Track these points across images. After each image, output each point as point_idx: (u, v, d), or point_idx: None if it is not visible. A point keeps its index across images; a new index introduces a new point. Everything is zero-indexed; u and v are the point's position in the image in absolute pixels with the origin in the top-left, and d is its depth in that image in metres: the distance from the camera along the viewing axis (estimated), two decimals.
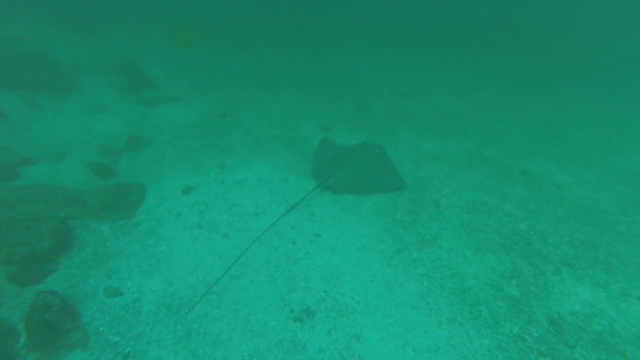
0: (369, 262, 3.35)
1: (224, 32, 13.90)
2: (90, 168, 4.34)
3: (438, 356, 2.57)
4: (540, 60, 15.15)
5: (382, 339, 2.65)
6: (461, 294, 3.11)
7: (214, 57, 10.67)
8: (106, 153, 4.77)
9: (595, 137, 7.43)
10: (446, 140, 6.41)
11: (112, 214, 3.63)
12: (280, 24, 16.28)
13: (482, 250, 3.62)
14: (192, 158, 4.89)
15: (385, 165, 4.63)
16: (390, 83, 9.97)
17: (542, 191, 4.96)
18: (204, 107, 6.76)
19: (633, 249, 3.92)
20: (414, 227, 3.88)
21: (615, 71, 14.11)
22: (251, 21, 16.40)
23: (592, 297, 3.23)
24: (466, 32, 18.34)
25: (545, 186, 5.13)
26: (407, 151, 5.75)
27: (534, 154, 6.28)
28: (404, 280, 3.18)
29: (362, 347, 2.58)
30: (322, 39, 14.90)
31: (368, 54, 13.56)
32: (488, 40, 16.99)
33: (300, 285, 3.04)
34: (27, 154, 4.41)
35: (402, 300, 2.98)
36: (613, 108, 9.76)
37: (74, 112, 5.81)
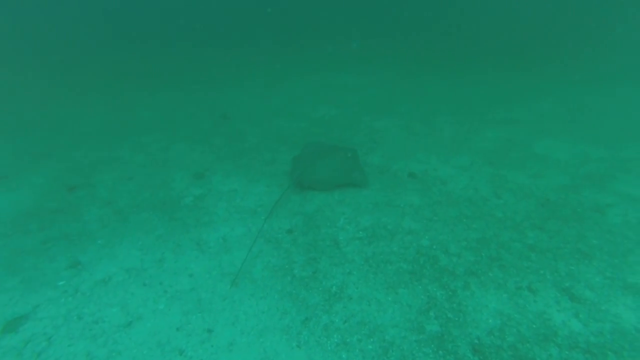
0: (275, 349, 2.81)
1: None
2: None
3: None
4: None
5: None
6: (384, 353, 2.77)
7: (46, 107, 8.89)
8: None
9: (458, 120, 8.01)
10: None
11: None
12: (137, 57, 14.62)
13: (394, 287, 3.37)
14: (25, 265, 3.73)
15: (354, 166, 5.13)
16: (262, 100, 9.52)
17: (431, 192, 5.00)
18: (41, 181, 5.41)
19: (512, 234, 4.09)
20: (317, 282, 3.46)
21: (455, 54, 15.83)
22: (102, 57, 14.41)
23: (499, 304, 3.19)
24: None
25: (433, 184, 5.20)
26: (290, 189, 5.33)
27: (416, 150, 6.40)
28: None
29: None
30: (187, 72, 13.77)
31: (235, 69, 12.91)
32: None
33: None
34: None
35: None
36: (467, 89, 10.79)
37: None
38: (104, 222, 4.44)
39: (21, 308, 3.21)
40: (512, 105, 8.99)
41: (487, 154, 6.23)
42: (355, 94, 9.98)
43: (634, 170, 5.60)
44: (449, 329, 2.96)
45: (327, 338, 2.89)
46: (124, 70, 13.09)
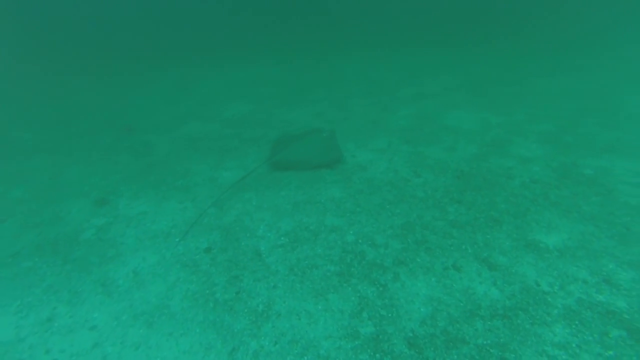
0: None
1: None
2: None
3: None
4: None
5: None
6: None
7: None
8: None
9: (372, 101, 8.06)
10: (244, 160, 5.82)
11: None
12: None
13: (323, 294, 3.20)
14: None
15: (330, 145, 5.35)
16: (169, 104, 8.76)
17: (352, 181, 4.90)
18: None
19: (434, 213, 4.15)
20: (241, 303, 3.17)
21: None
22: None
23: (428, 289, 3.18)
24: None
25: (353, 173, 5.11)
26: (205, 193, 4.93)
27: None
28: None
29: None
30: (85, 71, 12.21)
31: (137, 73, 11.75)
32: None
33: None
34: None
35: None
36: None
37: None
38: None
39: None
40: (422, 80, 9.30)
41: (403, 133, 6.32)
42: (268, 86, 9.61)
43: (524, 133, 6.06)
44: (384, 327, 2.87)
45: None
46: None
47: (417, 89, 8.58)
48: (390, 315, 2.96)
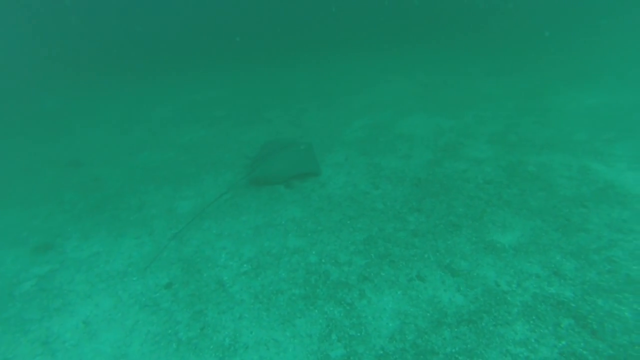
0: None
1: None
2: None
3: None
4: None
5: None
6: None
7: None
8: None
9: (326, 114, 8.13)
10: (201, 186, 5.67)
11: None
12: None
13: (290, 320, 3.14)
14: None
15: (307, 157, 5.53)
16: (121, 133, 8.41)
17: (311, 199, 4.89)
18: None
19: (395, 224, 4.21)
20: (207, 339, 3.05)
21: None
22: None
23: (395, 303, 3.21)
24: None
25: (312, 190, 5.10)
26: (163, 225, 4.74)
27: None
28: None
29: None
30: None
31: (82, 100, 11.20)
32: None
33: None
34: None
35: None
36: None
37: None
38: None
39: None
40: (374, 88, 9.53)
41: (360, 144, 6.41)
42: (223, 107, 9.49)
43: (474, 135, 6.34)
44: (354, 347, 2.85)
45: None
46: None
47: (370, 98, 8.79)
48: (359, 334, 2.95)
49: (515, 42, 12.35)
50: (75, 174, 6.63)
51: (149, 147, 7.42)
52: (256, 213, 4.70)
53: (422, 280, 3.40)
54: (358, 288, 3.37)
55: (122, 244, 4.46)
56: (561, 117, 6.59)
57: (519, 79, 9.05)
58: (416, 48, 13.33)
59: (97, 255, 4.34)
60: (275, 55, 14.53)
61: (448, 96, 8.42)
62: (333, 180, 5.29)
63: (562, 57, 10.22)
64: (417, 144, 6.21)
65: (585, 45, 10.92)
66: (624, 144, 5.36)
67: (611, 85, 7.70)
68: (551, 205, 4.23)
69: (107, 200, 5.56)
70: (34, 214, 5.40)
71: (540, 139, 5.90)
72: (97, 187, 6.05)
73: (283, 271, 3.66)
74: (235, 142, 7.18)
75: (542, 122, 6.52)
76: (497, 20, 15.15)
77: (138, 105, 10.54)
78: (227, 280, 3.64)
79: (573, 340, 2.69)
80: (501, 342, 2.76)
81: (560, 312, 2.93)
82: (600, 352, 2.57)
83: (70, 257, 4.34)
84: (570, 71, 8.98)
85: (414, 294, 3.27)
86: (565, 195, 4.39)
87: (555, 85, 8.21)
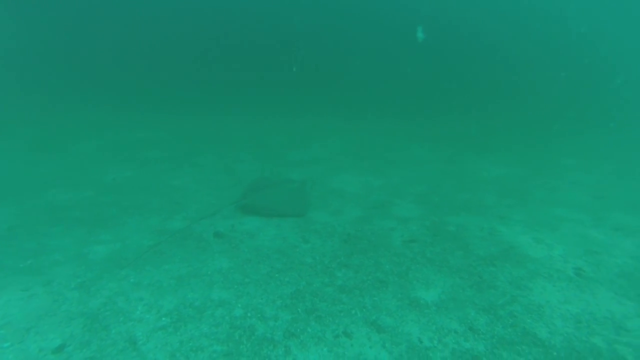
0: None
1: None
2: None
3: None
4: None
5: None
6: None
7: None
8: None
9: (261, 166, 8.18)
10: (121, 229, 5.22)
11: None
12: None
13: None
14: None
15: (299, 196, 5.91)
16: (26, 166, 7.56)
17: (240, 250, 4.74)
18: None
19: (323, 279, 4.20)
20: None
21: None
22: None
23: None
24: None
25: (241, 241, 4.97)
26: (67, 272, 4.21)
27: (222, 205, 6.07)
28: None
29: None
30: None
31: None
32: None
33: None
34: None
35: None
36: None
37: None
38: None
39: None
40: (310, 144, 9.90)
41: None
42: (154, 148, 9.11)
43: (401, 194, 6.80)
44: None
45: None
46: None
47: (305, 153, 9.08)
48: None
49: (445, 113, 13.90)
50: None
51: (60, 185, 6.73)
52: (181, 262, 4.40)
53: (349, 336, 3.37)
54: (284, 344, 3.23)
55: (1, 297, 3.73)
56: (475, 183, 7.38)
57: (441, 145, 10.09)
58: (355, 115, 14.26)
59: None
60: (218, 102, 14.56)
61: (378, 157, 9.02)
62: (263, 232, 5.23)
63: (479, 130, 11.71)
64: (348, 201, 6.46)
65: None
66: (519, 209, 6.15)
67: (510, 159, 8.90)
68: (467, 264, 4.58)
69: None
70: None
71: (458, 201, 6.51)
72: None
73: (205, 325, 3.40)
74: (164, 185, 6.84)
75: (458, 186, 7.24)
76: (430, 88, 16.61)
77: (55, 135, 9.69)
78: (140, 336, 3.27)
79: None
80: None
81: None
82: None
83: None
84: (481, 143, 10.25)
85: (340, 350, 3.21)
86: (479, 255, 4.80)
87: (466, 154, 9.27)
